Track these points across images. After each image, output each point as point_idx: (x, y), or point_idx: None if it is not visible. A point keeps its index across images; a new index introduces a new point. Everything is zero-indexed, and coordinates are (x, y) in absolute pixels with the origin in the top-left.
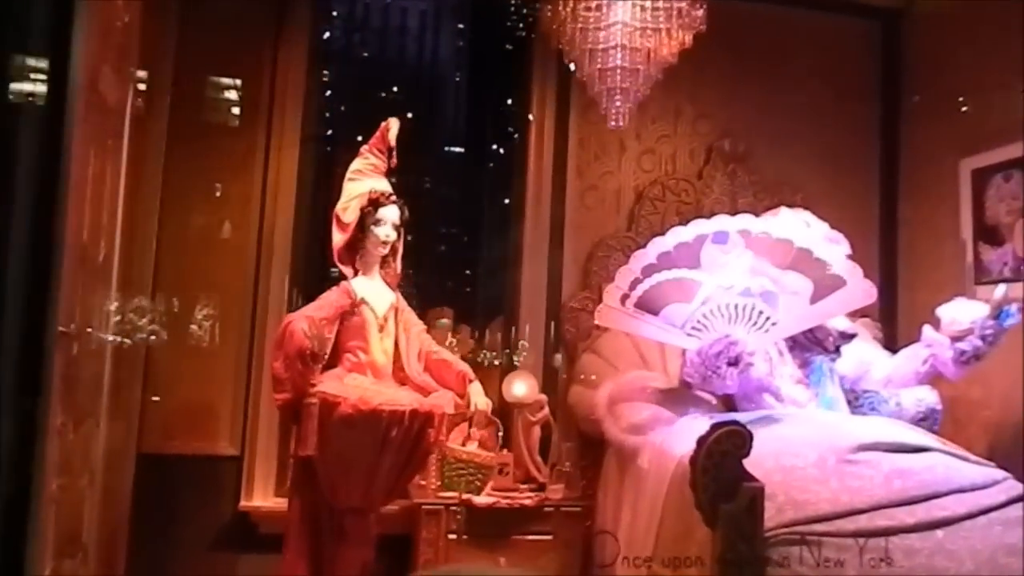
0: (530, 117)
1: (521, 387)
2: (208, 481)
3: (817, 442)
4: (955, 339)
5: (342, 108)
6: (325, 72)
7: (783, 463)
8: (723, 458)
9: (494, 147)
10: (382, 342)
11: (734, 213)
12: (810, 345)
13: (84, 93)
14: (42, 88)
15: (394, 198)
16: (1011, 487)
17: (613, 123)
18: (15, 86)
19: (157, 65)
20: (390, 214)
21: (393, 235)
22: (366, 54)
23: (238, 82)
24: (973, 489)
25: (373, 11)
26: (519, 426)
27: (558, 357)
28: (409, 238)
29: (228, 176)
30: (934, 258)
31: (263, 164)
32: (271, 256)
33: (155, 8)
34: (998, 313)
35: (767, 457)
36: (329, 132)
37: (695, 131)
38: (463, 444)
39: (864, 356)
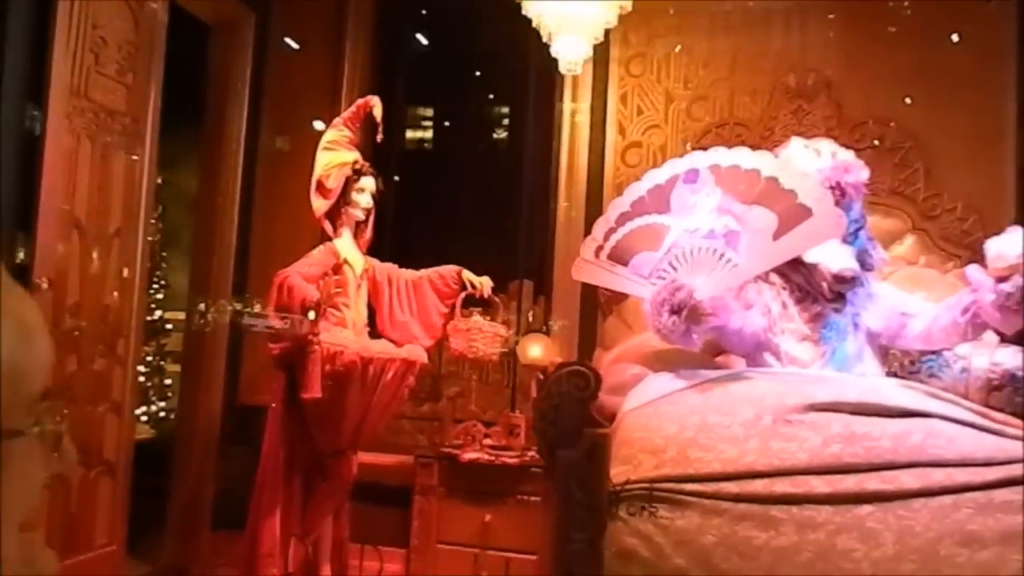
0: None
1: (536, 349)
2: None
3: (762, 400)
4: (1000, 279)
5: None
6: None
7: (708, 420)
8: (563, 401)
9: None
10: (359, 300)
11: None
12: (814, 294)
13: (62, 92)
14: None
15: (372, 169)
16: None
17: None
18: None
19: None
20: (369, 183)
21: (371, 203)
22: None
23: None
24: (963, 464)
25: None
26: (533, 388)
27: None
28: None
29: None
30: None
31: None
32: None
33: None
34: None
35: (695, 414)
36: None
37: (757, 69)
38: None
39: (901, 307)
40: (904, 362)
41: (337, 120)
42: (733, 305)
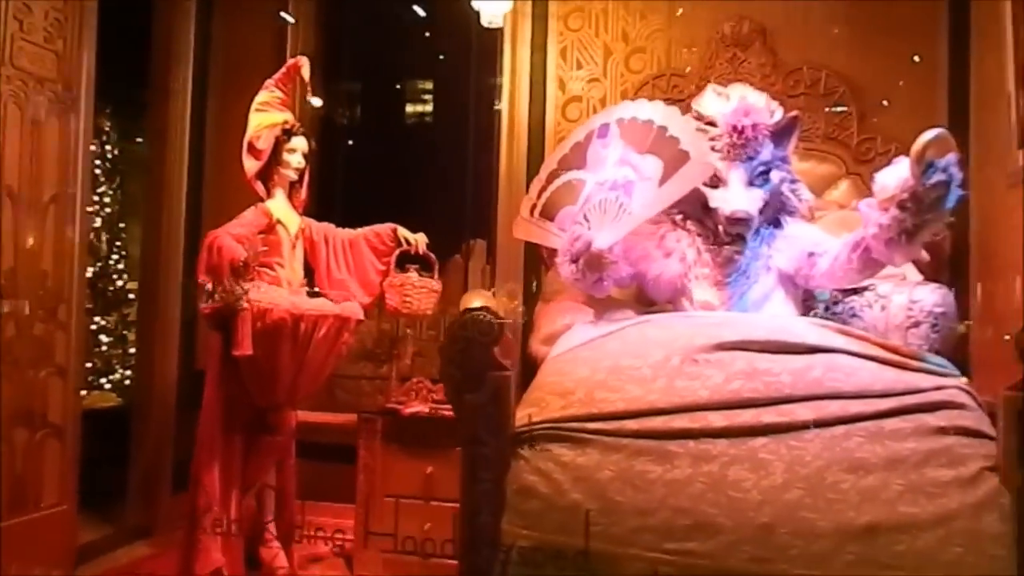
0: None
1: (476, 303)
2: None
3: (673, 342)
4: (884, 212)
5: None
6: None
7: (620, 363)
8: (468, 345)
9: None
10: (294, 259)
11: None
12: (715, 237)
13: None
14: None
15: (303, 129)
16: (923, 398)
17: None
18: None
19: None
20: (301, 143)
21: (303, 162)
22: None
23: None
24: (859, 396)
25: None
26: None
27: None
28: None
29: None
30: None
31: None
32: None
33: None
34: (924, 169)
35: (609, 358)
36: None
37: (695, 19)
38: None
39: (812, 247)
40: (829, 303)
41: (268, 81)
42: (654, 253)
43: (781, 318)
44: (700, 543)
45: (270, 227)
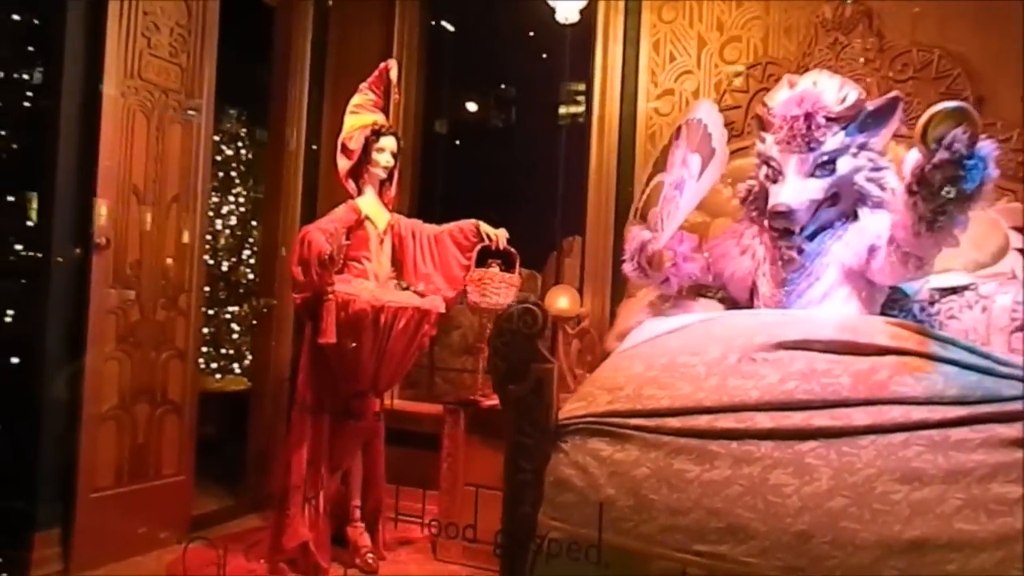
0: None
1: (563, 301)
2: None
3: (732, 340)
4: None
5: None
6: None
7: (676, 360)
8: (513, 337)
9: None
10: (382, 253)
11: None
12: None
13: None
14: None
15: (393, 129)
16: (1002, 407)
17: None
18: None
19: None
20: (389, 143)
21: (392, 161)
22: None
23: None
24: (929, 402)
25: None
26: (560, 339)
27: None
28: None
29: None
30: None
31: None
32: None
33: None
34: (930, 148)
35: (666, 355)
36: None
37: (793, 4)
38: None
39: (872, 239)
40: (925, 303)
41: (363, 85)
42: (732, 252)
43: (854, 318)
44: (731, 547)
45: (359, 223)
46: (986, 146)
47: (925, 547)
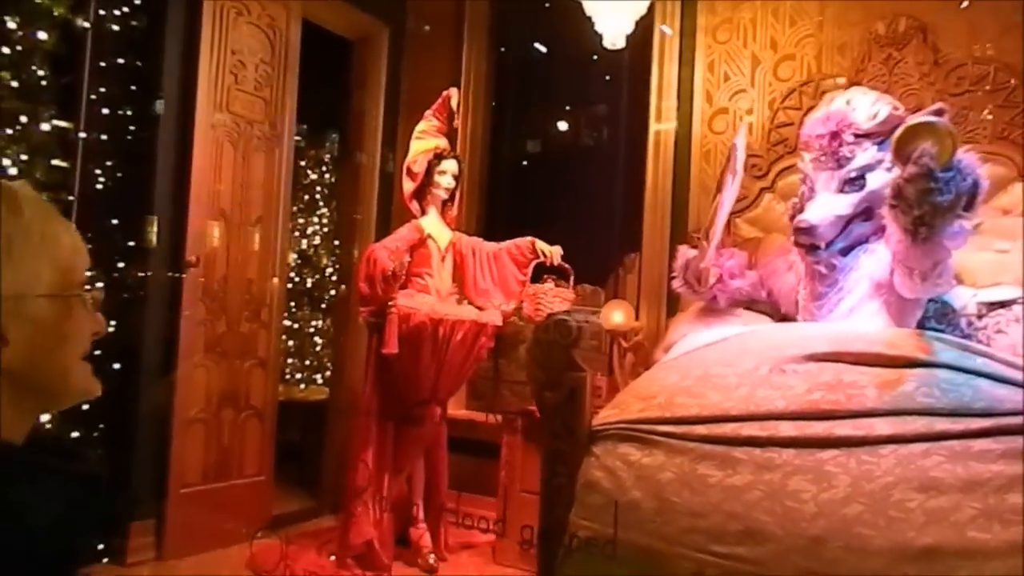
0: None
1: (618, 315)
2: None
3: (765, 352)
4: None
5: None
6: None
7: (710, 371)
8: (550, 348)
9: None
10: (443, 270)
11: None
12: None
13: (207, 108)
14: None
15: (454, 153)
16: (1019, 420)
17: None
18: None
19: None
20: (451, 166)
21: (453, 183)
22: None
23: None
24: (954, 414)
25: None
26: (615, 352)
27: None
28: None
29: None
30: None
31: None
32: None
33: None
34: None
35: (702, 366)
36: None
37: (846, 21)
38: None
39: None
40: (972, 318)
41: (428, 112)
42: (780, 268)
43: (888, 331)
44: (748, 549)
45: (421, 241)
46: (965, 158)
47: (937, 554)
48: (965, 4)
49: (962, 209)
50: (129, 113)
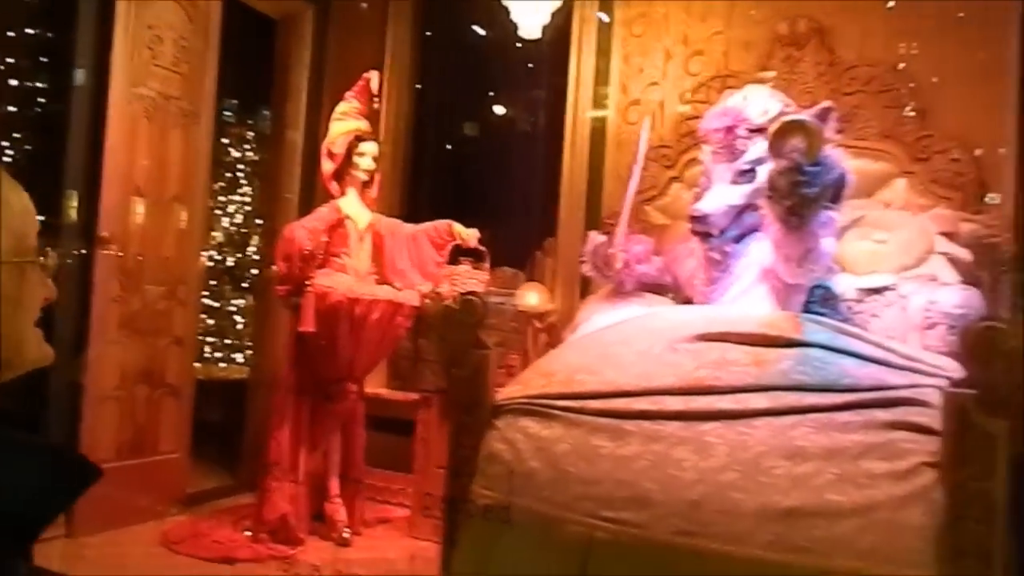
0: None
1: (533, 297)
2: None
3: (661, 332)
4: None
5: None
6: None
7: (609, 351)
8: (457, 326)
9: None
10: (362, 250)
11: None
12: None
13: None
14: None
15: (374, 135)
16: (885, 395)
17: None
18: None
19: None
20: (370, 148)
21: (372, 165)
22: None
23: None
24: (822, 389)
25: None
26: (529, 332)
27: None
28: None
29: None
30: None
31: None
32: None
33: None
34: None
35: (602, 345)
36: None
37: (753, 20)
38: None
39: None
40: (852, 303)
41: (348, 93)
42: (682, 254)
43: (774, 314)
44: (634, 513)
45: (339, 222)
46: (831, 154)
47: (798, 514)
48: (891, 4)
49: (829, 200)
50: (40, 85)
